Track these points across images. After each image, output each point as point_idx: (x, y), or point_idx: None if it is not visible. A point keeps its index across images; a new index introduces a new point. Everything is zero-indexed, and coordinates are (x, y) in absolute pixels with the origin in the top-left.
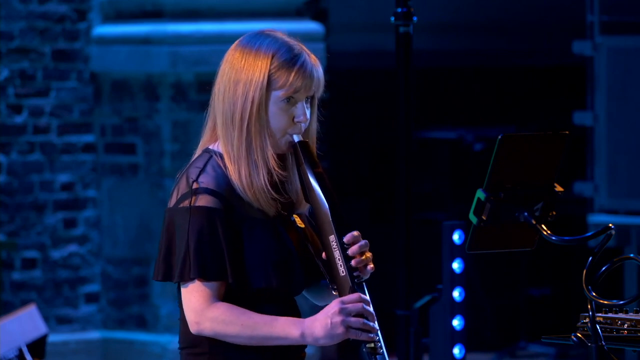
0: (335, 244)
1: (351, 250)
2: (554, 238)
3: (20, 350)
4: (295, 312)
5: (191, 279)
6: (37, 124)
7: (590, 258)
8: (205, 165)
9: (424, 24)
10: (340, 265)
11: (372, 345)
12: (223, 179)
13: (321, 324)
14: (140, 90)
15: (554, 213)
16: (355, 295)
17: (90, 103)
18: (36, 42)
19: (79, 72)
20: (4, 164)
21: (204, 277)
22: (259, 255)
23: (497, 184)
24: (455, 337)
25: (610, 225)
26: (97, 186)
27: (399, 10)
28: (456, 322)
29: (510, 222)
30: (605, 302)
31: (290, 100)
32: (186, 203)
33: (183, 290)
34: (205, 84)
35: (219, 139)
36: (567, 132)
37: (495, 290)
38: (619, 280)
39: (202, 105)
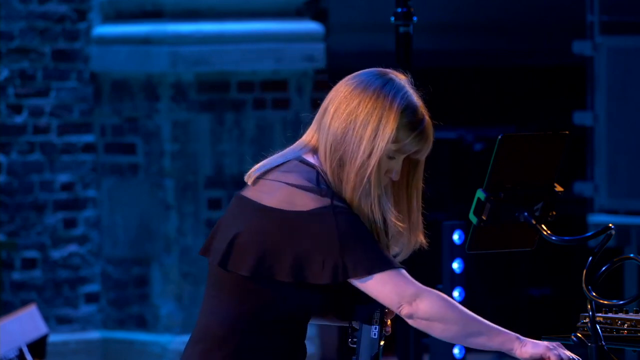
0: (377, 320)
1: (387, 324)
2: (554, 238)
3: (21, 350)
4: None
5: (381, 270)
6: (37, 124)
7: (590, 258)
8: (319, 181)
9: (424, 24)
10: (375, 328)
11: None
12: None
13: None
14: (140, 90)
15: (554, 213)
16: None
17: (90, 103)
18: (36, 42)
19: (79, 72)
20: (4, 164)
21: (390, 265)
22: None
23: (497, 184)
24: None
25: (610, 225)
26: (97, 186)
27: (399, 10)
28: None
29: (510, 222)
30: (605, 302)
31: (394, 155)
32: (328, 212)
33: (373, 284)
34: (206, 84)
35: (324, 161)
36: (567, 132)
37: (495, 290)
38: (619, 280)
39: (202, 105)
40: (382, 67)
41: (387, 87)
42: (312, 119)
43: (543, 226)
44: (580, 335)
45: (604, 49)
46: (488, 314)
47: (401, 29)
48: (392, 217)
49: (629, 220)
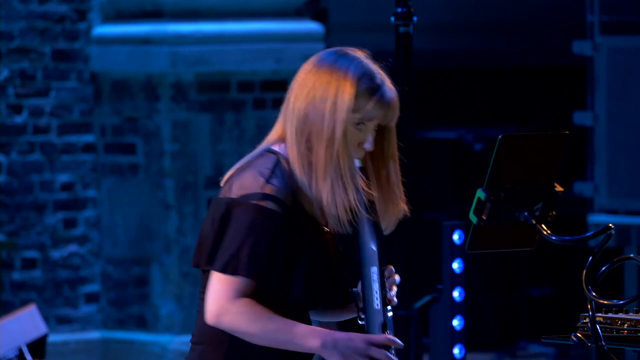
0: (376, 276)
1: (389, 284)
2: (554, 238)
3: (21, 350)
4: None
5: (235, 274)
6: (37, 124)
7: (590, 258)
8: (274, 168)
9: (424, 24)
10: (376, 298)
11: None
12: (290, 187)
13: (341, 350)
14: (140, 90)
15: (554, 213)
16: (383, 338)
17: (90, 103)
18: (36, 42)
19: (79, 72)
20: (4, 164)
21: (251, 275)
22: (296, 268)
23: (497, 183)
24: (455, 337)
25: (610, 225)
26: (97, 186)
27: (399, 10)
28: (456, 322)
29: (510, 222)
30: (605, 302)
31: (361, 125)
32: (253, 201)
33: (214, 279)
34: (206, 84)
35: (290, 145)
36: (567, 132)
37: (495, 290)
38: (619, 280)
39: (202, 105)
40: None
41: (340, 61)
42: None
43: (543, 226)
44: (580, 335)
45: (604, 49)
46: (488, 314)
47: (401, 29)
48: (364, 186)
49: (629, 220)
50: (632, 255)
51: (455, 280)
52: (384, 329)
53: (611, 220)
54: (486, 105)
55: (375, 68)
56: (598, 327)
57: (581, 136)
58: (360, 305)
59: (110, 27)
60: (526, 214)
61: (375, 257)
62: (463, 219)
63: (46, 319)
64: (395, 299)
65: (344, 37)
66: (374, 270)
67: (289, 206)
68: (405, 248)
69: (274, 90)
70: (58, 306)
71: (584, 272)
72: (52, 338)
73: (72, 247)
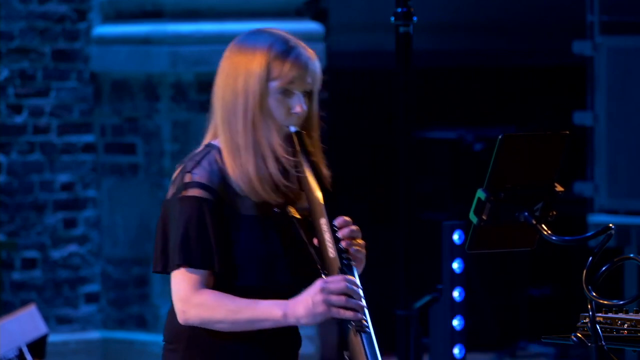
0: (326, 226)
1: (341, 233)
2: (554, 238)
3: (21, 350)
4: None
5: (177, 266)
6: (37, 124)
7: (590, 258)
8: (202, 159)
9: (424, 24)
10: (330, 247)
11: (358, 323)
12: (218, 173)
13: (303, 303)
14: (140, 90)
15: (554, 213)
16: (339, 277)
17: (90, 103)
18: (36, 42)
19: (79, 72)
20: (4, 164)
21: (189, 264)
22: (243, 252)
23: (497, 184)
24: (455, 337)
25: (610, 225)
26: (97, 186)
27: (399, 10)
28: (456, 322)
29: (510, 222)
30: (605, 302)
31: (286, 91)
32: (179, 195)
33: (172, 280)
34: (206, 84)
35: (219, 135)
36: (567, 132)
37: (495, 290)
38: (619, 280)
39: (202, 105)
40: (382, 67)
41: (248, 39)
42: None
43: (543, 226)
44: (580, 335)
45: (604, 49)
46: (488, 314)
47: (401, 29)
48: (284, 154)
49: (629, 220)
50: (632, 255)
51: (455, 280)
52: (342, 273)
53: (611, 220)
54: (486, 105)
55: (287, 35)
56: (598, 327)
57: (581, 136)
58: (318, 260)
59: (110, 27)
60: (526, 214)
61: (322, 209)
62: (463, 219)
63: (46, 319)
64: (361, 251)
65: (344, 37)
66: (323, 222)
67: (218, 191)
68: (405, 248)
69: None
70: (58, 306)
71: (584, 272)
72: (52, 338)
73: (72, 247)
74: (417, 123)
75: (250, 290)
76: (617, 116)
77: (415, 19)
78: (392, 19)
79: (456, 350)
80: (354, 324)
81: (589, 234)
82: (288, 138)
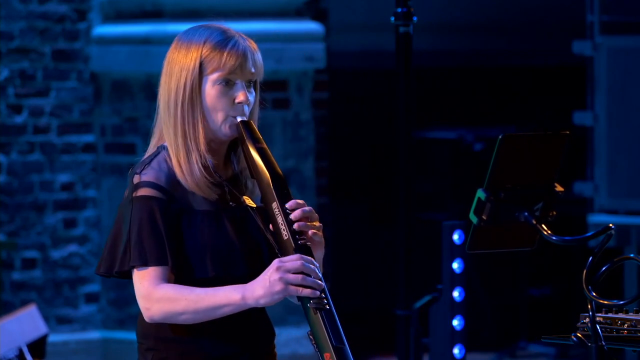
0: (278, 210)
1: (294, 215)
2: (554, 238)
3: (21, 350)
4: None
5: (130, 267)
6: (37, 124)
7: (590, 258)
8: (151, 160)
9: (424, 24)
10: (284, 229)
11: (317, 301)
12: (166, 171)
13: (261, 284)
14: (140, 90)
15: (554, 213)
16: (294, 255)
17: (90, 103)
18: (36, 42)
19: (79, 72)
20: (4, 164)
21: (143, 262)
22: (196, 246)
23: (497, 184)
24: (455, 337)
25: (610, 225)
26: (97, 186)
27: (399, 10)
28: (456, 322)
29: (510, 222)
30: (605, 302)
31: (228, 82)
32: (129, 196)
33: (133, 281)
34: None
35: (166, 138)
36: (567, 132)
37: (495, 290)
38: (619, 280)
39: None
40: (382, 67)
41: (184, 35)
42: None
43: (543, 226)
44: (580, 335)
45: (604, 49)
46: (488, 314)
47: (401, 29)
48: (204, 150)
49: (629, 220)
50: (632, 255)
51: (455, 280)
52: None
53: (611, 220)
54: (486, 105)
55: (225, 27)
56: (598, 327)
57: (581, 136)
58: (275, 244)
59: (110, 27)
60: (526, 214)
61: (272, 194)
62: (463, 219)
63: (46, 319)
64: (314, 231)
65: (344, 37)
66: (274, 206)
67: (167, 189)
68: (405, 248)
69: (273, 90)
70: (58, 306)
71: (584, 272)
72: (52, 338)
73: (72, 247)
74: (417, 123)
75: (208, 282)
76: (617, 116)
77: (415, 19)
78: (392, 19)
79: (456, 350)
80: (312, 302)
81: (589, 234)
82: (232, 129)
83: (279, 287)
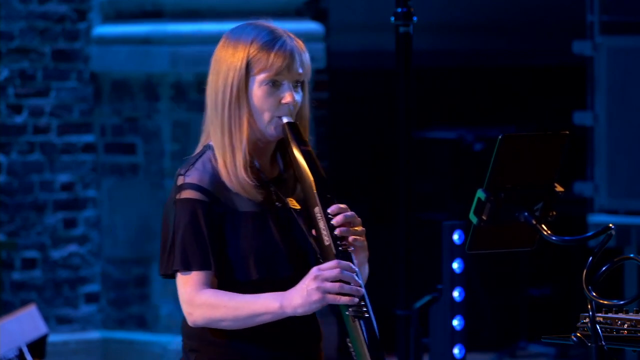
0: (320, 214)
1: (335, 220)
2: (554, 238)
3: (21, 350)
4: None
5: (174, 271)
6: (37, 124)
7: (590, 258)
8: (196, 161)
9: (424, 24)
10: (325, 234)
11: (356, 308)
12: (211, 172)
13: (299, 293)
14: (140, 90)
15: (554, 213)
16: (332, 262)
17: (90, 103)
18: (36, 42)
19: (79, 72)
20: (4, 164)
21: (186, 267)
22: (240, 248)
23: (497, 184)
24: (455, 337)
25: (610, 225)
26: (97, 186)
27: (399, 10)
28: (456, 322)
29: (510, 222)
30: (605, 302)
31: (275, 83)
32: (173, 197)
33: (176, 284)
34: (206, 84)
35: (212, 138)
36: (567, 132)
37: (495, 290)
38: (619, 280)
39: (202, 105)
40: (382, 67)
41: (232, 33)
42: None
43: (543, 226)
44: (580, 335)
45: (604, 49)
46: (488, 314)
47: (401, 29)
48: (247, 150)
49: (629, 220)
50: (632, 255)
51: (455, 280)
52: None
53: (611, 220)
54: (486, 105)
55: (273, 27)
56: (598, 327)
57: (581, 136)
58: (317, 249)
59: (110, 27)
60: (526, 214)
61: (315, 198)
62: (463, 219)
63: (46, 319)
64: (358, 238)
65: (344, 37)
66: (317, 210)
67: (211, 191)
68: (405, 248)
69: None
70: (58, 306)
71: (584, 272)
72: (52, 338)
73: (72, 247)
74: (417, 123)
75: (252, 285)
76: (617, 116)
77: (415, 19)
78: (392, 19)
79: (456, 350)
80: (351, 310)
81: (589, 234)
82: (277, 130)
83: (316, 296)
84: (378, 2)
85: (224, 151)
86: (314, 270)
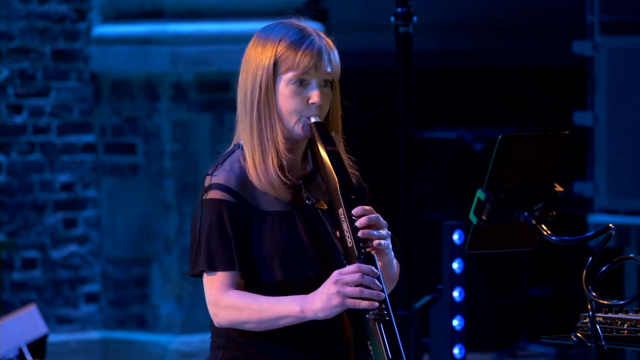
0: (344, 216)
1: (359, 222)
2: (554, 238)
3: (21, 350)
4: None
5: (200, 272)
6: (37, 124)
7: (590, 258)
8: (224, 160)
9: (424, 24)
10: (348, 237)
11: (378, 312)
12: (238, 172)
13: (319, 297)
14: (140, 90)
15: (554, 213)
16: (353, 266)
17: (90, 103)
18: (36, 42)
19: (79, 72)
20: (4, 164)
21: (211, 268)
22: (265, 249)
23: (497, 184)
24: (455, 337)
25: (610, 225)
26: (97, 186)
27: (399, 10)
28: (456, 322)
29: (510, 222)
30: (605, 302)
31: (302, 82)
32: (204, 198)
33: (204, 285)
34: (206, 84)
35: (242, 137)
36: (567, 132)
37: (495, 290)
38: (619, 280)
39: (202, 105)
40: (382, 67)
41: (262, 32)
42: None
43: (543, 226)
44: (580, 335)
45: (604, 49)
46: (488, 314)
47: (401, 29)
48: (284, 150)
49: (629, 220)
50: (632, 255)
51: (455, 280)
52: (360, 263)
53: (611, 220)
54: (486, 105)
55: (303, 25)
56: (598, 327)
57: (581, 136)
58: (341, 250)
59: (110, 27)
60: (526, 214)
61: (339, 199)
62: (463, 219)
63: (46, 319)
64: (382, 241)
65: (344, 37)
66: (341, 212)
67: (237, 191)
68: (405, 248)
69: None
70: (58, 306)
71: (584, 272)
72: (52, 338)
73: (72, 247)
74: (417, 123)
75: (278, 285)
76: (617, 116)
77: (415, 19)
78: (392, 19)
79: (456, 350)
80: (371, 313)
81: (589, 234)
82: (305, 129)
83: (336, 300)
84: (378, 2)
85: (253, 150)
86: (334, 275)
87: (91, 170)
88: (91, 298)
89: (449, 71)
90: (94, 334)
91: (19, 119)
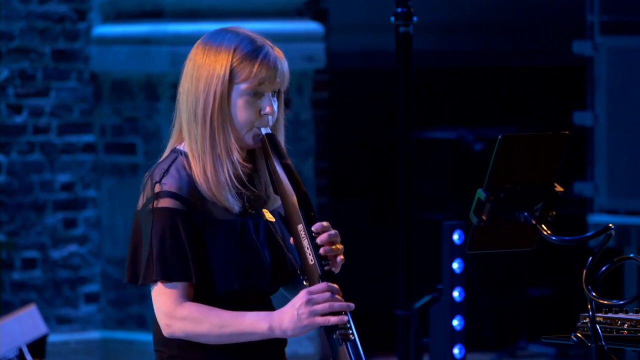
0: (304, 232)
1: (320, 239)
2: (554, 238)
3: (21, 350)
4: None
5: (154, 281)
6: (37, 124)
7: (590, 258)
8: (169, 167)
9: (424, 24)
10: (309, 254)
11: (344, 331)
12: (187, 180)
13: (289, 316)
14: (140, 90)
15: (554, 213)
16: (322, 285)
17: (90, 103)
18: (36, 42)
19: (79, 72)
20: (4, 164)
21: (167, 278)
22: (221, 258)
23: (497, 184)
24: (455, 337)
25: (610, 225)
26: (97, 186)
27: (399, 10)
28: (456, 322)
29: (510, 222)
30: (605, 302)
31: (256, 93)
32: (150, 205)
33: (152, 293)
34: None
35: (184, 139)
36: (567, 132)
37: (495, 290)
38: (619, 280)
39: None
40: (382, 67)
41: (212, 39)
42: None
43: (543, 226)
44: (580, 335)
45: (604, 49)
46: (488, 314)
47: (401, 29)
48: (240, 159)
49: (629, 220)
50: (632, 255)
51: (455, 280)
52: (323, 281)
53: (611, 220)
54: (486, 105)
55: (253, 35)
56: (598, 327)
57: (581, 136)
58: (299, 266)
59: (110, 27)
60: (526, 214)
61: (298, 215)
62: (463, 219)
63: (46, 319)
64: (340, 257)
65: (344, 37)
66: (300, 228)
67: (189, 199)
68: (405, 248)
69: None
70: (58, 306)
71: (584, 272)
72: (52, 338)
73: (72, 247)
74: (417, 123)
75: (231, 295)
76: (617, 116)
77: (415, 19)
78: (392, 19)
79: (456, 350)
80: (338, 333)
81: (589, 234)
82: (256, 143)
83: (307, 321)
84: (378, 2)
85: (204, 159)
86: (304, 295)
87: (91, 170)
88: (91, 298)
89: (449, 71)
90: (94, 334)
91: (19, 119)
